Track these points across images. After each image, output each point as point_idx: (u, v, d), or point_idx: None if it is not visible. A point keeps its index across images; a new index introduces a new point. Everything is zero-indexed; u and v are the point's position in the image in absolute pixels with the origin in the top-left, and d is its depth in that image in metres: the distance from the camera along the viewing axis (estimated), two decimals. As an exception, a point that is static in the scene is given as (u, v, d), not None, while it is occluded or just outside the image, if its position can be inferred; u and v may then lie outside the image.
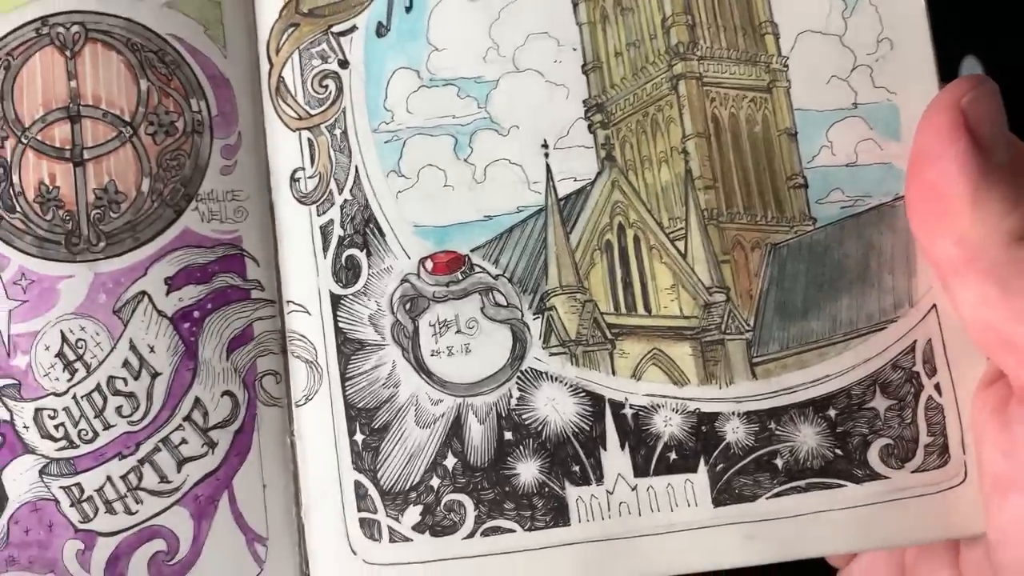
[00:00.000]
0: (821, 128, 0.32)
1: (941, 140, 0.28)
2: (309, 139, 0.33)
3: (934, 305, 0.31)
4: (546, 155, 0.32)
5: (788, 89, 0.32)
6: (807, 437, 0.31)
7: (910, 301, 0.31)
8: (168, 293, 0.32)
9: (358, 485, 0.32)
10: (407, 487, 0.31)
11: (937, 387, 0.31)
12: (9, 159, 0.32)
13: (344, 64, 0.33)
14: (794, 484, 0.31)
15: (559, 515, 0.31)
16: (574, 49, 0.33)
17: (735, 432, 0.31)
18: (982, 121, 0.28)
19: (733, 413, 0.31)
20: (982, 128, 0.28)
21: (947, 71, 0.53)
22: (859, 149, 0.31)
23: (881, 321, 0.31)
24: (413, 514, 0.31)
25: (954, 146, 0.28)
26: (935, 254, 0.29)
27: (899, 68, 0.32)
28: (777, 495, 0.31)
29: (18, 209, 0.32)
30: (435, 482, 0.31)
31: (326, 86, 0.33)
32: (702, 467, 0.31)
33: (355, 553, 0.31)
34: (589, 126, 0.32)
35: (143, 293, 0.32)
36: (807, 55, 0.32)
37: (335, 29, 0.33)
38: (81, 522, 0.31)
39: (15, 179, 0.32)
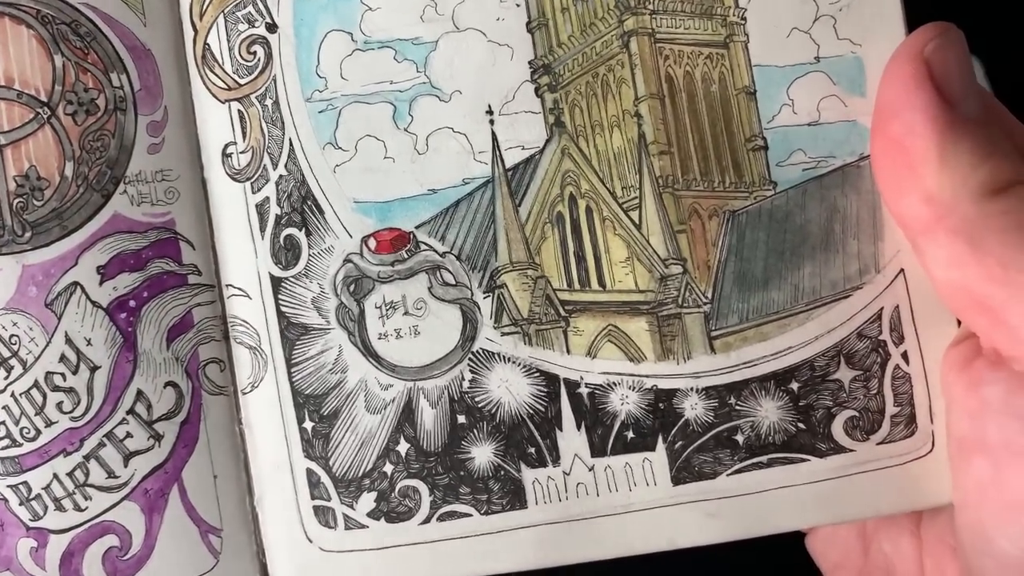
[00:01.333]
0: (781, 85, 0.31)
1: (905, 92, 0.27)
2: (240, 111, 0.32)
3: (902, 270, 0.30)
4: (491, 122, 0.31)
5: (746, 44, 0.31)
6: (768, 412, 0.30)
7: (876, 267, 0.30)
8: (102, 283, 0.31)
9: (310, 473, 0.31)
10: (360, 474, 0.31)
11: (904, 355, 0.30)
12: None
13: (272, 28, 0.31)
14: (755, 460, 0.30)
15: (516, 498, 0.31)
16: (517, 5, 0.31)
17: (694, 408, 0.31)
18: (947, 70, 0.27)
19: (692, 389, 0.31)
20: (947, 78, 0.27)
21: None
22: (822, 107, 0.30)
23: (846, 289, 0.30)
24: (367, 501, 0.31)
25: (919, 98, 0.27)
26: (902, 213, 0.28)
27: (864, 18, 0.30)
28: (738, 472, 0.30)
29: None
30: (388, 468, 0.31)
31: (254, 52, 0.32)
32: (660, 445, 0.31)
33: (311, 541, 0.31)
34: (536, 89, 0.31)
35: (75, 284, 0.31)
36: (766, 5, 0.30)
37: None
38: (32, 520, 0.31)
39: None
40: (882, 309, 0.30)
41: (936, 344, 0.30)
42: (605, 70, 0.31)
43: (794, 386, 0.30)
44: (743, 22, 0.31)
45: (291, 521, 0.31)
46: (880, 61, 0.28)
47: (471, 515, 0.31)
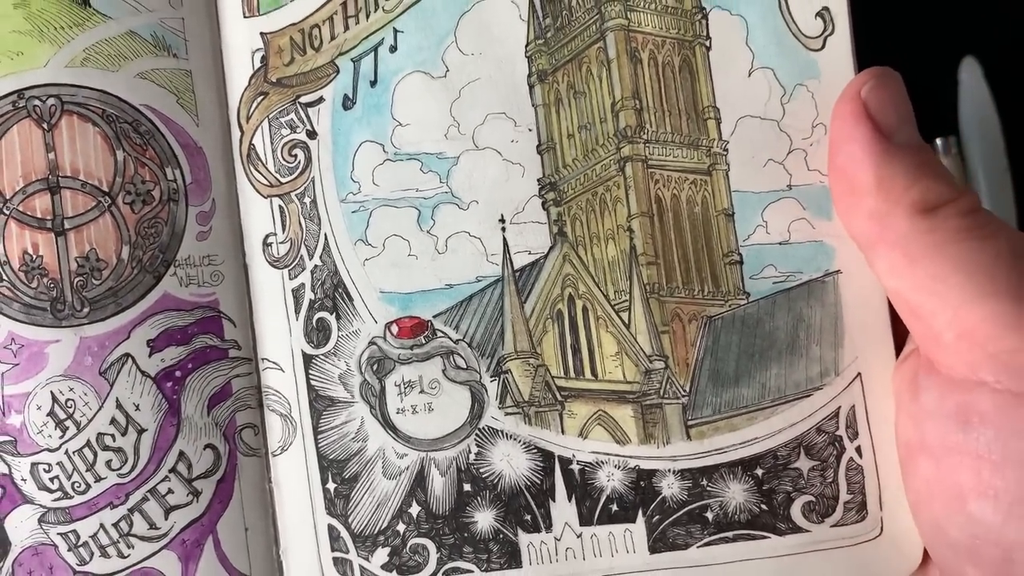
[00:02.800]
0: (757, 209, 0.32)
1: (846, 127, 0.30)
2: (280, 206, 0.34)
3: (859, 374, 0.32)
4: (503, 229, 0.33)
5: (727, 172, 0.32)
6: (735, 493, 0.32)
7: (836, 370, 0.32)
8: (151, 355, 0.33)
9: (331, 528, 0.33)
10: (376, 531, 0.33)
11: (858, 450, 0.32)
12: None
13: (312, 135, 0.33)
14: (723, 535, 0.32)
15: (512, 558, 0.32)
16: (530, 130, 0.33)
17: (670, 487, 0.32)
18: (882, 106, 0.30)
19: (669, 470, 0.32)
20: (882, 113, 0.29)
21: (946, 71, 0.51)
22: (792, 228, 0.32)
23: (808, 389, 0.32)
24: (382, 555, 0.33)
25: (857, 131, 0.29)
26: (853, 231, 0.30)
27: None
28: (707, 544, 0.32)
29: (4, 278, 0.33)
30: (401, 527, 0.33)
31: (295, 155, 0.34)
32: (640, 518, 0.32)
33: None
34: (543, 203, 0.33)
35: (127, 355, 0.33)
36: (746, 139, 0.32)
37: (303, 100, 0.33)
38: (79, 565, 0.33)
39: (0, 250, 0.33)
40: (839, 408, 0.32)
41: (887, 440, 0.32)
42: (603, 189, 0.33)
43: (759, 472, 0.32)
44: (725, 153, 0.32)
45: (313, 570, 0.33)
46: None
47: (473, 571, 0.32)
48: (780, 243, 0.32)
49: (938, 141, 0.52)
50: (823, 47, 0.32)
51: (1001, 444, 0.27)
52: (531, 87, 0.33)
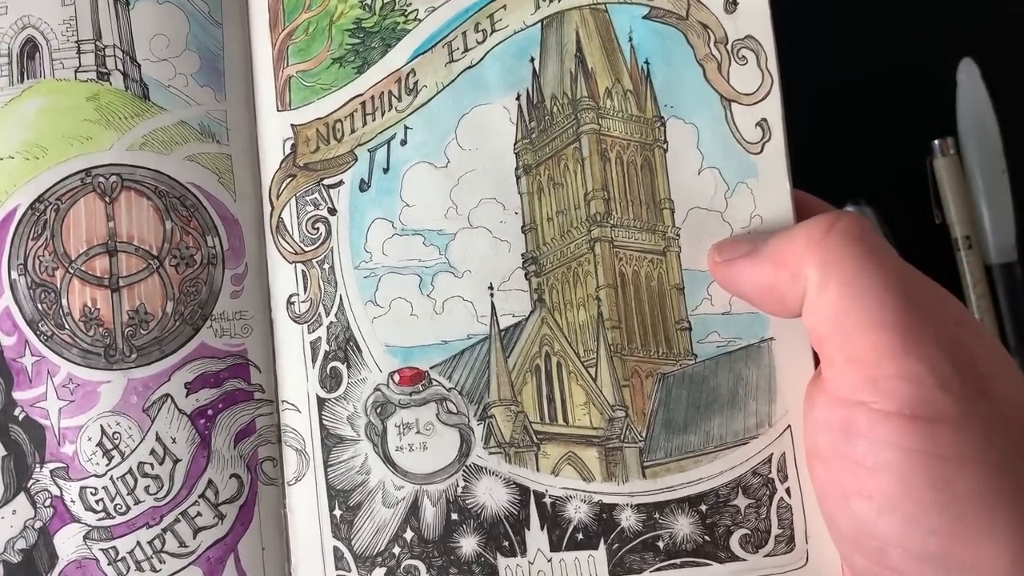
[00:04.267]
0: (703, 284, 0.36)
1: (727, 274, 0.35)
2: (303, 271, 0.37)
3: (788, 426, 0.35)
4: (491, 295, 0.36)
5: (679, 253, 0.36)
6: (683, 525, 0.35)
7: (769, 422, 0.35)
8: (187, 395, 0.36)
9: (336, 549, 0.36)
10: (375, 553, 0.36)
11: (787, 491, 0.35)
12: (59, 286, 0.37)
13: (333, 211, 0.37)
14: (672, 561, 0.35)
15: None
16: (516, 213, 0.36)
17: (628, 519, 0.35)
18: (728, 248, 0.35)
19: (627, 504, 0.35)
20: (731, 251, 0.35)
21: (944, 72, 0.52)
22: (732, 301, 0.36)
23: (745, 437, 0.35)
24: (379, 574, 0.36)
25: (735, 268, 0.34)
26: (790, 310, 0.33)
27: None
28: (659, 569, 0.35)
29: (66, 327, 0.37)
30: (397, 550, 0.36)
31: (318, 228, 0.37)
32: (602, 545, 0.35)
33: None
34: (525, 274, 0.36)
35: (167, 395, 0.36)
36: (695, 226, 0.36)
37: (326, 182, 0.38)
38: None
39: (63, 303, 0.37)
40: (772, 454, 0.35)
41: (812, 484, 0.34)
42: (576, 264, 0.36)
43: (703, 507, 0.35)
44: (677, 237, 0.36)
45: None
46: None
47: None
48: (723, 313, 0.36)
49: (936, 142, 0.54)
50: (761, 151, 0.37)
51: (873, 453, 0.30)
52: (518, 178, 0.37)
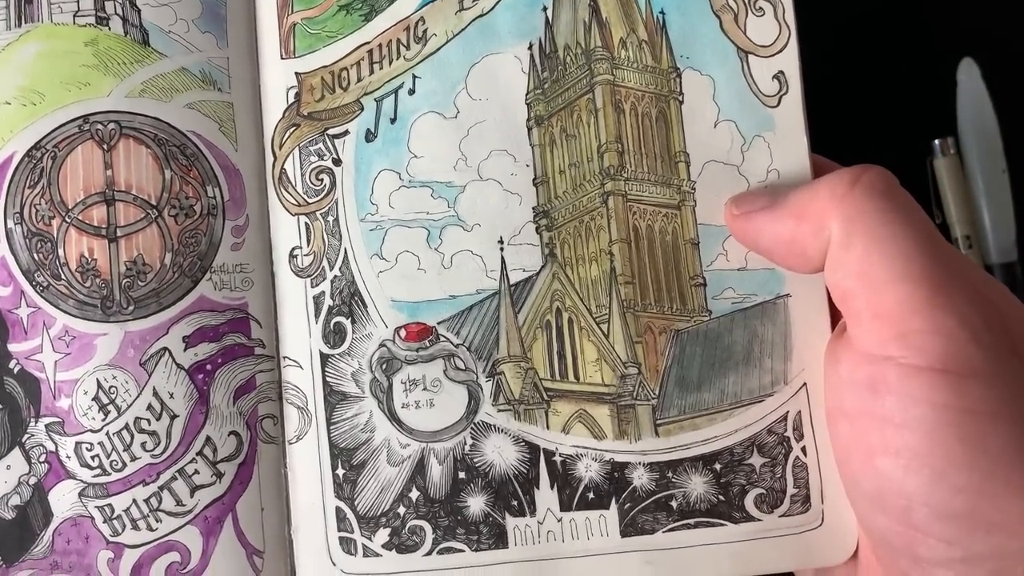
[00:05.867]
0: (719, 240, 0.36)
1: (745, 227, 0.35)
2: (306, 223, 0.37)
3: (804, 384, 0.35)
4: (501, 250, 0.36)
5: (694, 208, 0.36)
6: (697, 485, 0.35)
7: (785, 380, 0.35)
8: (185, 349, 0.36)
9: (339, 510, 0.36)
10: (379, 513, 0.35)
11: (803, 450, 0.35)
12: (55, 235, 0.37)
13: (337, 162, 0.37)
14: (685, 522, 0.35)
15: (499, 540, 0.35)
16: (527, 165, 0.36)
17: (640, 478, 0.35)
18: (747, 201, 0.35)
19: (639, 463, 0.35)
20: (750, 203, 0.35)
21: (945, 72, 0.52)
22: (748, 257, 0.36)
23: (760, 395, 0.35)
24: (383, 535, 0.35)
25: (754, 222, 0.34)
26: (812, 266, 0.33)
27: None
28: (672, 530, 0.35)
29: (63, 277, 0.36)
30: (402, 510, 0.35)
31: (322, 179, 0.37)
32: (613, 505, 0.35)
33: (335, 565, 0.35)
34: (536, 228, 0.36)
35: (165, 349, 0.36)
36: (711, 180, 0.36)
37: (330, 132, 0.37)
38: (112, 536, 0.35)
39: (60, 252, 0.37)
40: (788, 412, 0.35)
41: (827, 442, 0.34)
42: (588, 218, 0.36)
43: (717, 466, 0.35)
44: (693, 191, 0.36)
45: (320, 548, 0.35)
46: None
47: (464, 551, 0.35)
48: (738, 269, 0.36)
49: (936, 142, 0.54)
50: (778, 104, 0.37)
51: (902, 409, 0.30)
52: (529, 129, 0.37)
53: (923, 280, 0.30)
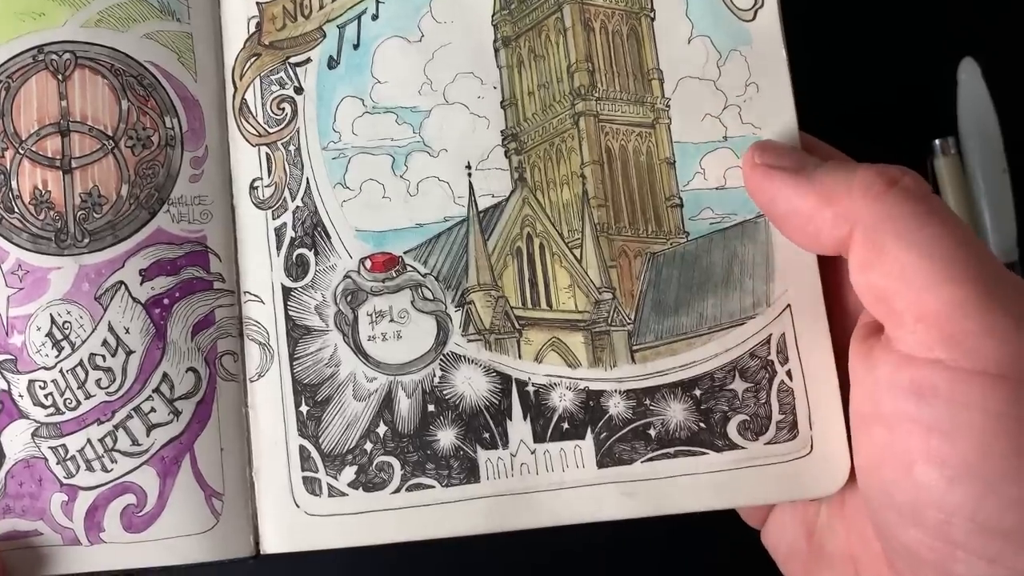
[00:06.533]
0: (695, 158, 0.35)
1: (766, 186, 0.33)
2: (267, 153, 0.36)
3: (788, 305, 0.34)
4: (469, 175, 0.35)
5: (669, 125, 0.35)
6: (676, 412, 0.34)
7: (767, 301, 0.34)
8: (142, 283, 0.35)
9: (302, 449, 0.35)
10: (344, 451, 0.35)
11: (788, 373, 0.34)
12: (8, 167, 0.36)
13: (299, 91, 0.36)
14: (664, 451, 0.34)
15: (471, 474, 0.34)
16: (495, 87, 0.36)
17: (617, 407, 0.34)
18: (777, 156, 0.33)
19: (615, 391, 0.34)
20: (781, 159, 0.33)
21: (945, 71, 0.52)
22: (727, 175, 0.35)
23: (741, 318, 0.34)
24: (349, 473, 0.34)
25: (776, 182, 0.32)
26: (825, 249, 0.32)
27: (763, 107, 0.35)
28: (650, 460, 0.34)
29: (16, 210, 0.36)
30: (368, 446, 0.35)
31: (283, 109, 0.37)
32: (589, 435, 0.34)
33: (298, 506, 0.34)
34: (505, 152, 0.36)
35: (121, 283, 0.35)
36: (686, 97, 0.35)
37: (292, 60, 0.37)
38: (66, 477, 0.34)
39: (13, 184, 0.36)
40: (771, 335, 0.34)
41: (815, 365, 0.33)
42: (559, 140, 0.36)
43: (697, 392, 0.34)
44: (667, 108, 0.35)
45: (283, 489, 0.34)
46: (774, 139, 0.35)
47: (434, 487, 0.34)
48: (716, 188, 0.35)
49: (937, 142, 0.54)
50: (754, 18, 0.36)
51: (951, 415, 0.28)
52: (496, 51, 0.36)
53: (970, 282, 0.28)
